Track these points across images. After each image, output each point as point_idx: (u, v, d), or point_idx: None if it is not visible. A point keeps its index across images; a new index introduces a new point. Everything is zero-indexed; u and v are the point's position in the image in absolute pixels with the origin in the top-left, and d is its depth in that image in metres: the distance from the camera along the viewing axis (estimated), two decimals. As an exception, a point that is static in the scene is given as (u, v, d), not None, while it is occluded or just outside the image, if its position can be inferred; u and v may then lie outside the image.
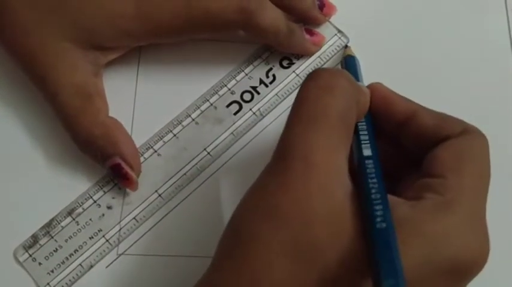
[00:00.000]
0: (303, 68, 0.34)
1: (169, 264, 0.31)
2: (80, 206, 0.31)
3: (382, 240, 0.21)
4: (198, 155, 0.33)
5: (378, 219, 0.22)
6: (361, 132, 0.25)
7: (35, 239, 0.31)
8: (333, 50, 0.35)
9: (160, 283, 0.31)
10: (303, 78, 0.34)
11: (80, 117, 0.30)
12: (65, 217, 0.31)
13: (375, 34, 0.36)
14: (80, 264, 0.30)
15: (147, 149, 0.32)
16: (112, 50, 0.32)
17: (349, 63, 0.32)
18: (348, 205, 0.23)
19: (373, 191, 0.23)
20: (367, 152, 0.24)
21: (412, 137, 0.26)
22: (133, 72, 0.34)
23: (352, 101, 0.25)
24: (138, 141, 0.32)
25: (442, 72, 0.35)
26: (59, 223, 0.31)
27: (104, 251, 0.31)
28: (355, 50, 0.35)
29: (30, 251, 0.30)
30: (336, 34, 0.35)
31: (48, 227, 0.31)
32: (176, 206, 0.32)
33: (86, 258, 0.31)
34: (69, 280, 0.30)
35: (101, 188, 0.32)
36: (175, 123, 0.33)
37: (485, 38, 0.36)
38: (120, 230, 0.31)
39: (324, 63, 0.35)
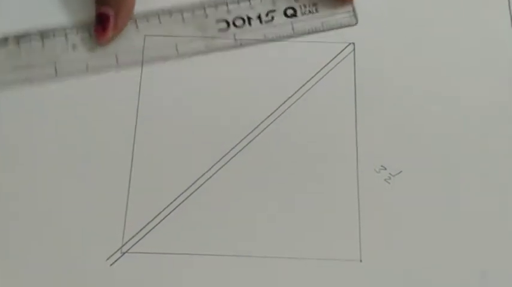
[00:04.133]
0: (301, 25, 0.35)
1: (174, 262, 0.31)
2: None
3: None
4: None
5: None
6: None
7: None
8: (336, 22, 0.35)
9: (164, 281, 0.30)
10: (298, 35, 0.35)
11: None
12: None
13: (379, 27, 0.36)
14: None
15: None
16: None
17: None
18: None
19: None
20: None
21: None
22: (137, 74, 0.35)
23: None
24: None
25: (445, 66, 0.35)
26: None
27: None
28: (361, 35, 0.35)
29: None
30: (348, 11, 0.35)
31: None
32: (180, 204, 0.32)
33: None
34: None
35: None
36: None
37: (487, 30, 0.36)
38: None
39: (323, 31, 0.35)
